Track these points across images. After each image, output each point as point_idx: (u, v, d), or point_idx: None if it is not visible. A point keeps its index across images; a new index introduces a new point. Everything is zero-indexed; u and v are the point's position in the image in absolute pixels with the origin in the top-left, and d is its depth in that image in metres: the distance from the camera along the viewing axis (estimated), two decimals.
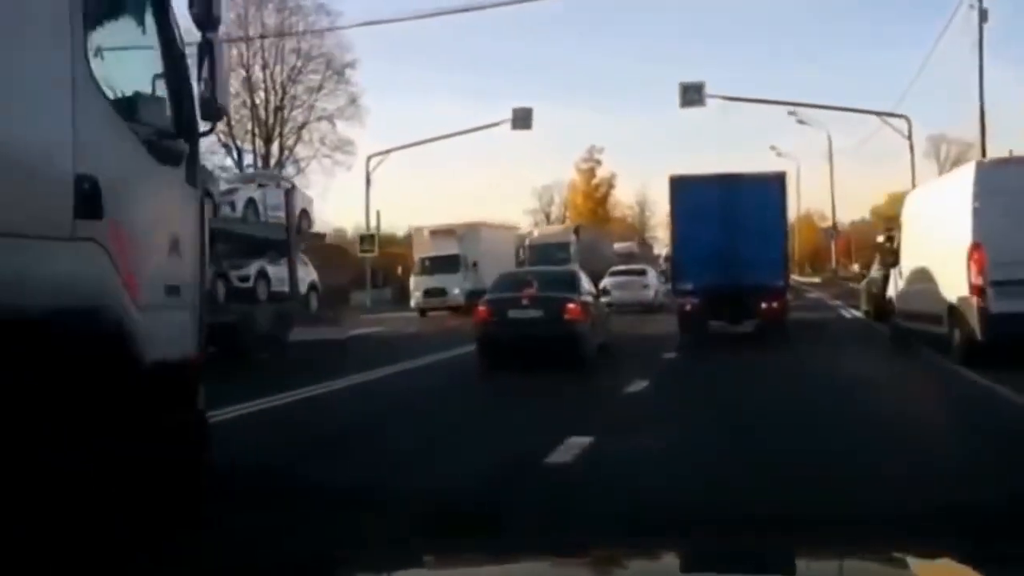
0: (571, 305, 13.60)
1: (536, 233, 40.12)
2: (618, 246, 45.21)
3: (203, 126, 4.97)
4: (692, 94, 31.43)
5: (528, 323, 13.38)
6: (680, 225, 18.18)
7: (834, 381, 11.20)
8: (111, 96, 4.27)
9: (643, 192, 73.48)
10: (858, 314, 23.76)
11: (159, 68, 4.72)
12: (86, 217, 3.97)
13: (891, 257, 15.92)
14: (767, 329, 17.43)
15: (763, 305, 17.21)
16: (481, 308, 14.11)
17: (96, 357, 3.96)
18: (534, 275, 15.67)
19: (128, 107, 4.38)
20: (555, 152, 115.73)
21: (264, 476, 6.27)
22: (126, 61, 4.58)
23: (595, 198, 70.91)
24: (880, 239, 39.44)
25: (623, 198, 75.29)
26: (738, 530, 4.32)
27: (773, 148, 53.95)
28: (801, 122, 44.63)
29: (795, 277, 36.39)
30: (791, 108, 42.73)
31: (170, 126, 4.68)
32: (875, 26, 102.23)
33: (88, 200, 3.96)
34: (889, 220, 53.19)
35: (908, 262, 14.67)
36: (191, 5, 4.85)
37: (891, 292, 15.82)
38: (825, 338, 18.27)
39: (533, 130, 34.80)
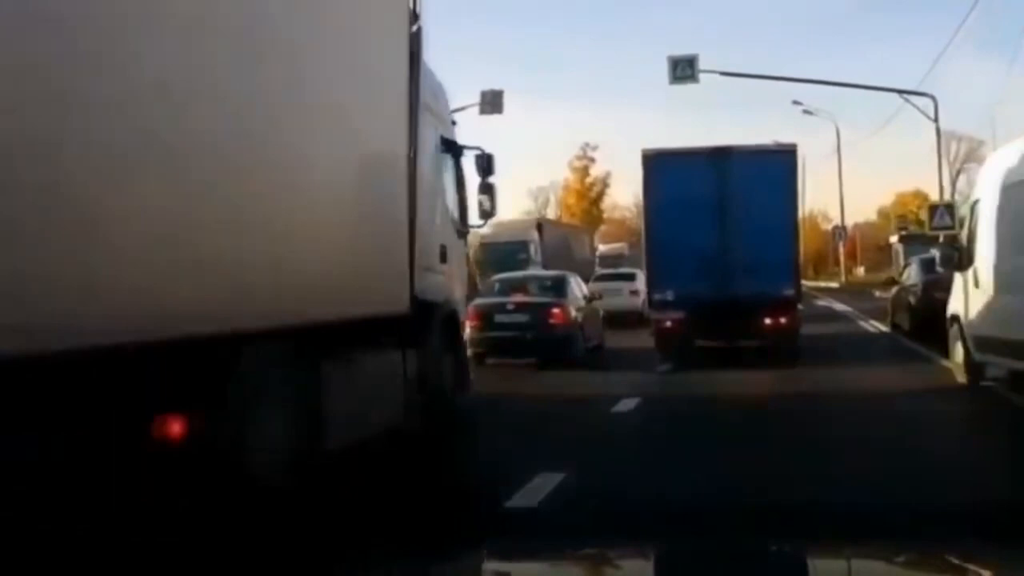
0: (556, 310, 14.07)
1: (489, 229, 33.44)
2: (605, 247, 40.68)
3: (479, 220, 10.43)
4: (683, 68, 27.09)
5: (514, 328, 13.91)
6: (657, 216, 13.99)
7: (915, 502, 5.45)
8: (446, 204, 9.24)
9: (639, 193, 69.33)
10: (883, 327, 19.48)
11: (457, 188, 9.74)
12: (443, 263, 8.84)
13: (956, 255, 10.64)
14: (772, 351, 13.23)
15: (767, 321, 13.30)
16: (469, 312, 13.81)
17: (449, 323, 8.91)
18: (525, 279, 16.31)
19: (449, 209, 9.34)
20: (554, 152, 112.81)
21: None
22: (446, 185, 9.29)
23: (589, 197, 67.83)
24: (893, 240, 34.27)
25: (621, 199, 71.74)
26: None
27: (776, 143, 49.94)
28: (807, 112, 41.49)
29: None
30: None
31: (460, 218, 9.79)
32: (878, 25, 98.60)
33: (443, 255, 8.83)
34: (902, 219, 49.37)
35: (990, 264, 9.60)
36: (477, 164, 9.99)
37: (956, 308, 10.75)
38: (857, 370, 12.89)
39: (533, 129, 30.10)
